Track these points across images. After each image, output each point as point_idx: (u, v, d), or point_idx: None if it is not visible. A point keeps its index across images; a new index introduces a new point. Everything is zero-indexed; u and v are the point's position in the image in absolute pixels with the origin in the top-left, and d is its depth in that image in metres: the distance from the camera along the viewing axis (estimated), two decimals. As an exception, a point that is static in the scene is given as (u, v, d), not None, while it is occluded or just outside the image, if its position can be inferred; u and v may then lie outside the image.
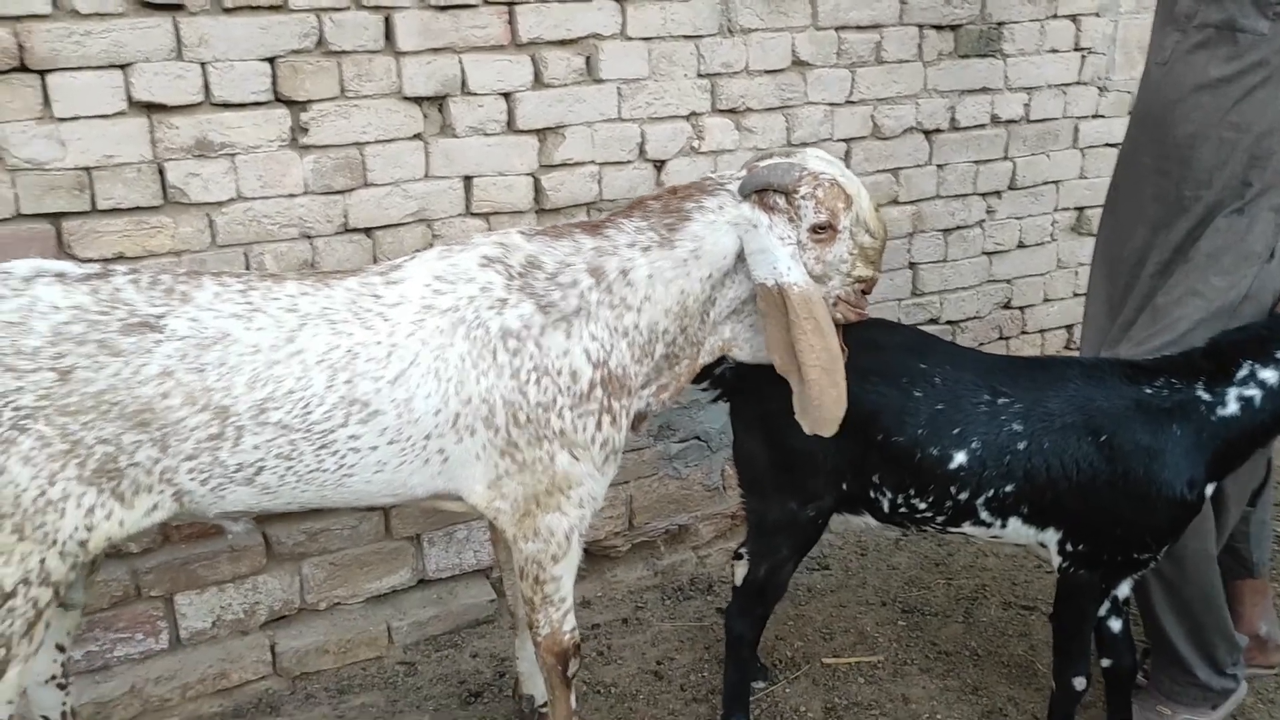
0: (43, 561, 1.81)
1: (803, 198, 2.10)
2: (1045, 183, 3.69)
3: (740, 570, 2.57)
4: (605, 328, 2.09)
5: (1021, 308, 3.80)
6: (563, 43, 2.79)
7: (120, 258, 2.42)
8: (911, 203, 3.45)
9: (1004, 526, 2.27)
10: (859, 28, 3.19)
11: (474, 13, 2.67)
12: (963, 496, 2.24)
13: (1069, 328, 3.92)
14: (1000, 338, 3.79)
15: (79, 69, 2.30)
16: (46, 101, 2.29)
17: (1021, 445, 2.19)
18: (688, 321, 2.16)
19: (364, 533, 2.88)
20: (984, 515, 2.26)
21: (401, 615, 2.95)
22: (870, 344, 2.29)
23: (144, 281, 1.92)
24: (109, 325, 1.84)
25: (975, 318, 3.69)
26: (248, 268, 2.57)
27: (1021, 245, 3.71)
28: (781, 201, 2.10)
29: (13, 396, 1.76)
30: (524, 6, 2.72)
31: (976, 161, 3.52)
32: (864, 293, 2.24)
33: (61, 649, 2.15)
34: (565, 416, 2.07)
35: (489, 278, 2.07)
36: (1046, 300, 3.83)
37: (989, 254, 3.66)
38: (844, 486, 2.32)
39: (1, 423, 1.76)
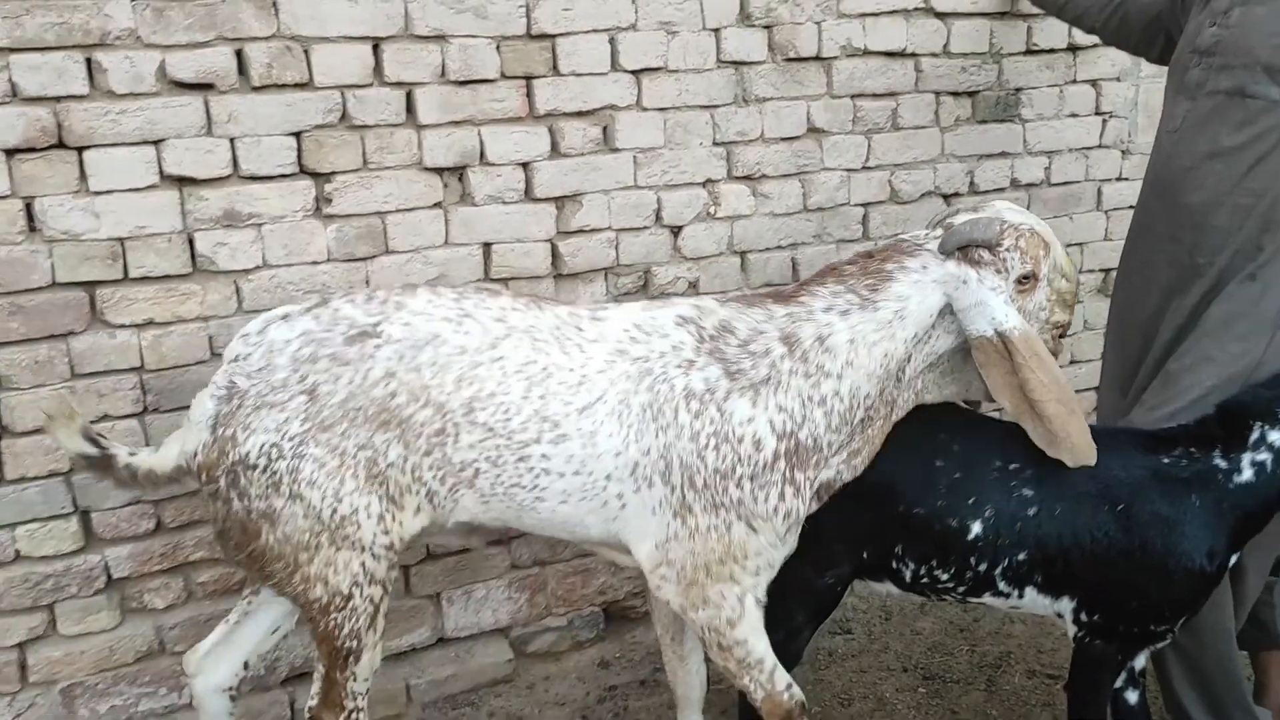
0: (363, 565, 2.07)
1: (1007, 250, 2.13)
2: (1069, 245, 3.67)
3: None
4: (797, 397, 2.08)
5: (1048, 370, 3.76)
6: (579, 114, 2.87)
7: (149, 324, 2.52)
8: (931, 266, 3.45)
9: (1021, 596, 2.25)
10: (875, 95, 3.23)
11: (492, 87, 2.76)
12: (982, 567, 2.22)
13: (1097, 389, 3.87)
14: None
15: (114, 145, 2.42)
16: (83, 175, 2.41)
17: (1032, 511, 2.18)
18: (887, 383, 2.15)
19: (384, 592, 2.91)
20: (1002, 585, 2.24)
21: (420, 673, 2.98)
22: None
23: (360, 299, 2.14)
24: (333, 340, 2.06)
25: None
26: (272, 332, 2.65)
27: (1046, 307, 3.69)
28: (986, 255, 2.12)
29: (285, 428, 2.01)
30: (541, 80, 2.81)
31: (997, 224, 3.52)
32: (1060, 336, 2.28)
33: (246, 666, 2.38)
34: (744, 486, 2.07)
35: (682, 337, 2.13)
36: (1074, 362, 3.80)
37: (1012, 316, 3.64)
38: (864, 555, 2.31)
39: (285, 454, 2.01)
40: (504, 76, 2.77)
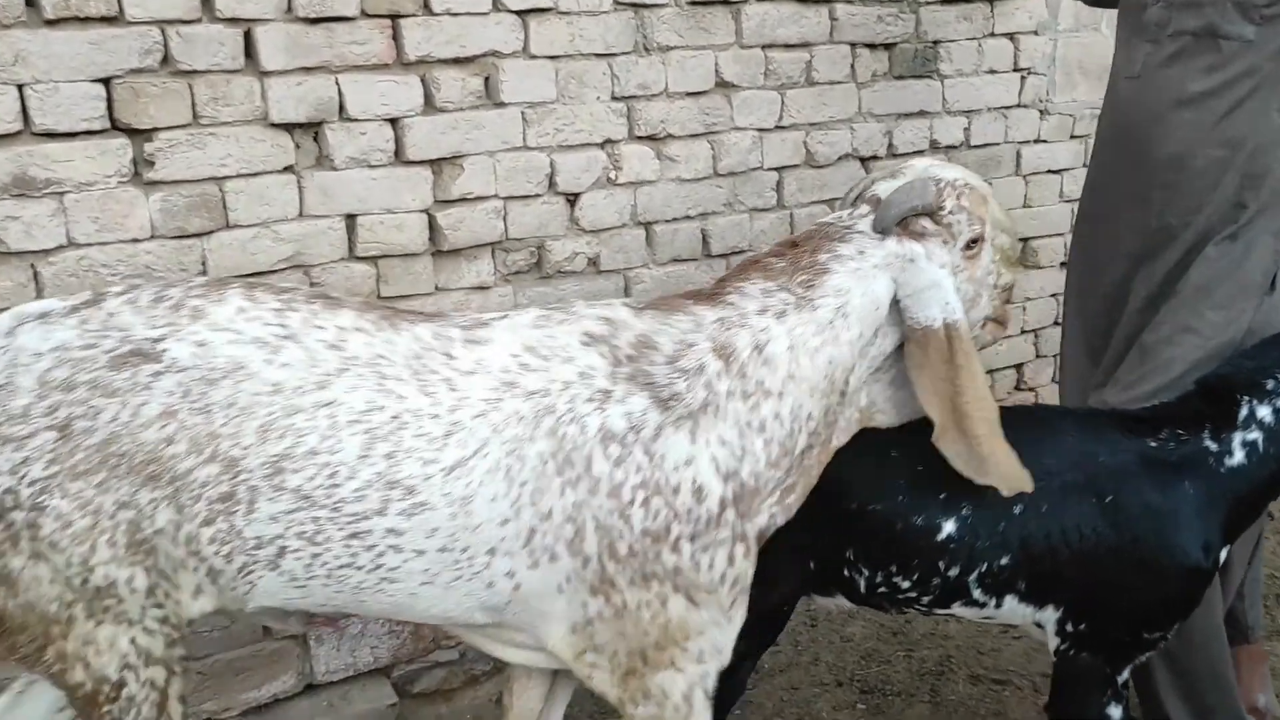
0: (133, 641, 1.61)
1: (950, 213, 1.80)
2: (988, 212, 3.44)
3: None
4: (736, 425, 1.68)
5: (969, 347, 3.52)
6: (457, 61, 2.45)
7: (-79, 319, 1.99)
8: (850, 236, 3.15)
9: (999, 606, 1.95)
10: (787, 46, 2.90)
11: (351, 27, 2.31)
12: (953, 573, 1.91)
13: (1018, 366, 3.66)
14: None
15: None
16: None
17: (1017, 510, 1.88)
18: (831, 399, 1.77)
19: (238, 633, 2.44)
20: (977, 594, 1.93)
21: (285, 729, 2.51)
22: None
23: (144, 299, 1.64)
24: (96, 360, 1.57)
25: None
26: (83, 327, 2.15)
27: (967, 280, 3.44)
28: (930, 225, 1.79)
29: (24, 470, 1.54)
30: (410, 20, 2.37)
31: (917, 190, 3.25)
32: (1006, 301, 1.97)
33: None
34: (683, 550, 1.64)
35: (591, 360, 1.69)
36: (1024, 331, 3.57)
37: (933, 290, 3.38)
38: (810, 565, 1.97)
39: (22, 503, 1.54)
40: (365, 15, 2.32)
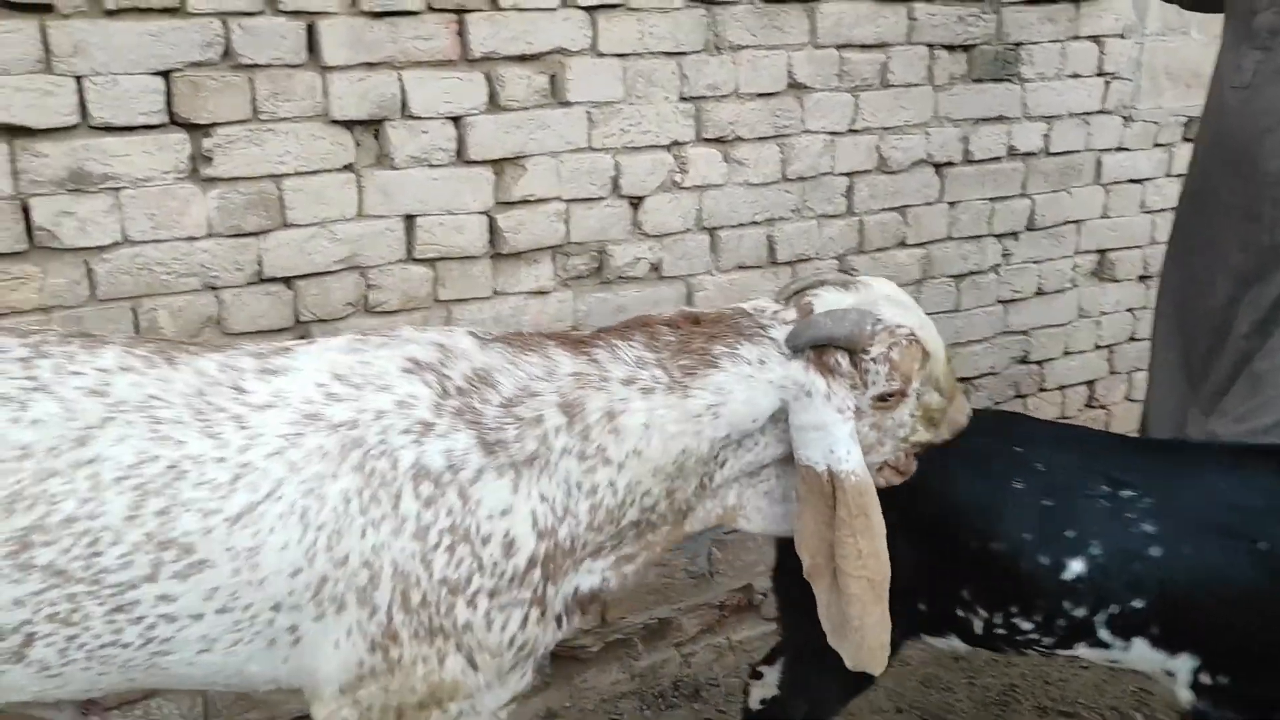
0: None
1: (873, 360, 1.64)
2: (1066, 223, 3.29)
3: (758, 692, 2.13)
4: (562, 484, 1.57)
5: (1040, 362, 3.39)
6: (522, 58, 2.36)
7: (-29, 316, 1.95)
8: (921, 245, 3.04)
9: (1127, 649, 1.84)
10: (863, 46, 2.79)
11: (416, 21, 2.23)
12: (1079, 613, 1.80)
13: (1090, 384, 3.52)
14: (1017, 396, 3.37)
15: (-86, 81, 1.84)
16: (-128, 122, 1.83)
17: (1155, 551, 1.77)
18: (679, 484, 1.66)
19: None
20: (1104, 635, 1.82)
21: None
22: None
23: None
24: None
25: (990, 373, 3.28)
26: (136, 327, 2.10)
27: (1040, 293, 3.31)
28: (845, 363, 1.63)
29: None
30: (476, 15, 2.29)
31: (991, 199, 3.13)
32: (917, 455, 1.78)
33: None
34: (478, 606, 1.51)
35: (412, 389, 1.54)
36: (1067, 354, 3.43)
37: (1004, 302, 3.25)
38: (921, 607, 1.86)
39: None
40: (430, 9, 2.24)
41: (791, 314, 1.69)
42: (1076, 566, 1.78)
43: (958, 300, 3.16)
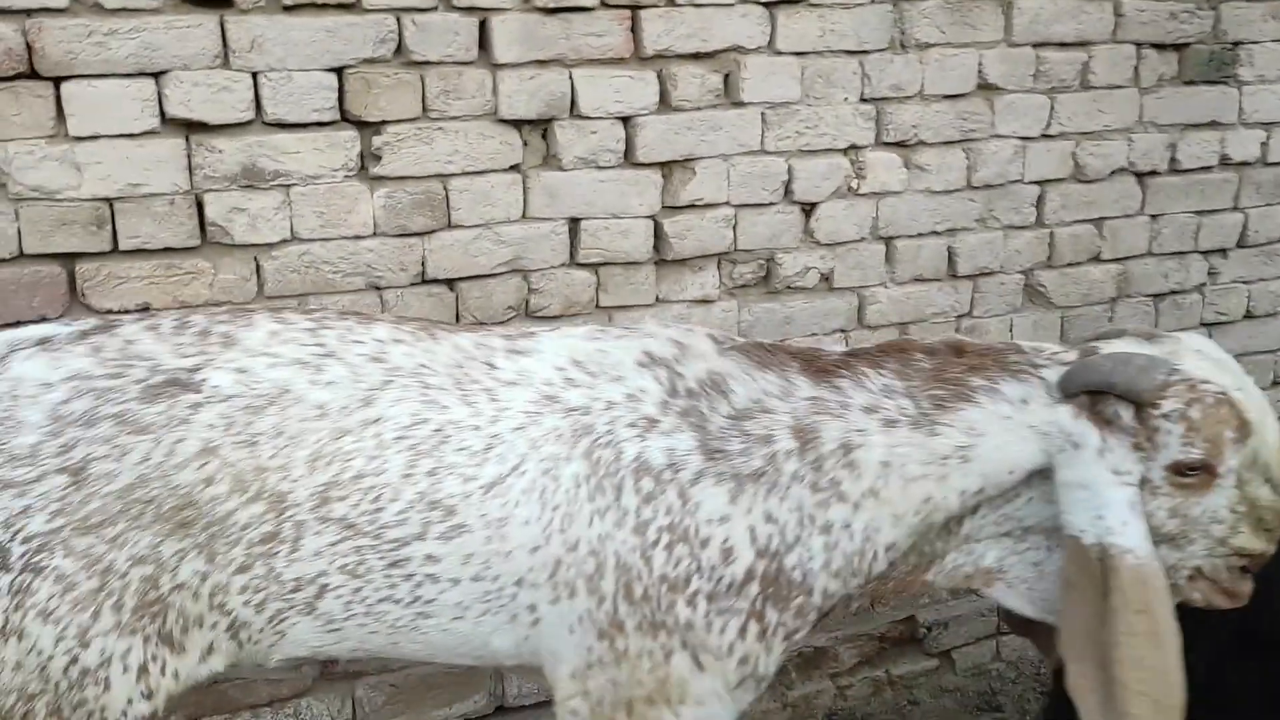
0: None
1: (1165, 417, 1.42)
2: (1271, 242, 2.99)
3: None
4: (796, 511, 1.49)
5: (1244, 392, 3.09)
6: (696, 56, 2.26)
7: (145, 309, 1.96)
8: (1117, 260, 2.80)
9: None
10: (1062, 45, 2.57)
11: (589, 18, 2.15)
12: None
13: (1302, 417, 3.19)
14: (1216, 427, 3.08)
15: (101, 76, 1.86)
16: (60, 116, 1.86)
17: None
18: (926, 535, 1.54)
19: (433, 646, 2.35)
20: None
21: (473, 752, 2.41)
22: None
23: (166, 327, 1.49)
24: (124, 391, 1.41)
25: (1188, 403, 3.00)
26: (301, 324, 2.09)
27: (1249, 316, 3.02)
28: (1127, 416, 1.44)
29: (18, 523, 1.34)
30: (651, 11, 2.19)
31: (1199, 212, 2.86)
32: (1244, 571, 1.51)
33: None
34: (698, 606, 1.47)
35: (644, 383, 1.55)
36: (1276, 383, 3.12)
37: (1209, 325, 2.97)
38: None
39: (11, 565, 1.34)
40: (604, 5, 2.17)
41: (1071, 355, 1.52)
42: None
43: (1156, 320, 2.89)
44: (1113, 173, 2.71)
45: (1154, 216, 2.81)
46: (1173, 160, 2.77)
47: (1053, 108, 2.61)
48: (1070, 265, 2.75)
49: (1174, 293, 2.90)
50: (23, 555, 1.35)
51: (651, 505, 1.48)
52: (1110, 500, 1.40)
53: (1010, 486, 1.50)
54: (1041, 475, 1.48)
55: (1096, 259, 2.78)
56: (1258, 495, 1.45)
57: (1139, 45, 2.65)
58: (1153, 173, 2.76)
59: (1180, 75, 2.73)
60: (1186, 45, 2.71)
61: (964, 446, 1.47)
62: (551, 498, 1.49)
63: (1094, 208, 2.72)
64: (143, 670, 1.41)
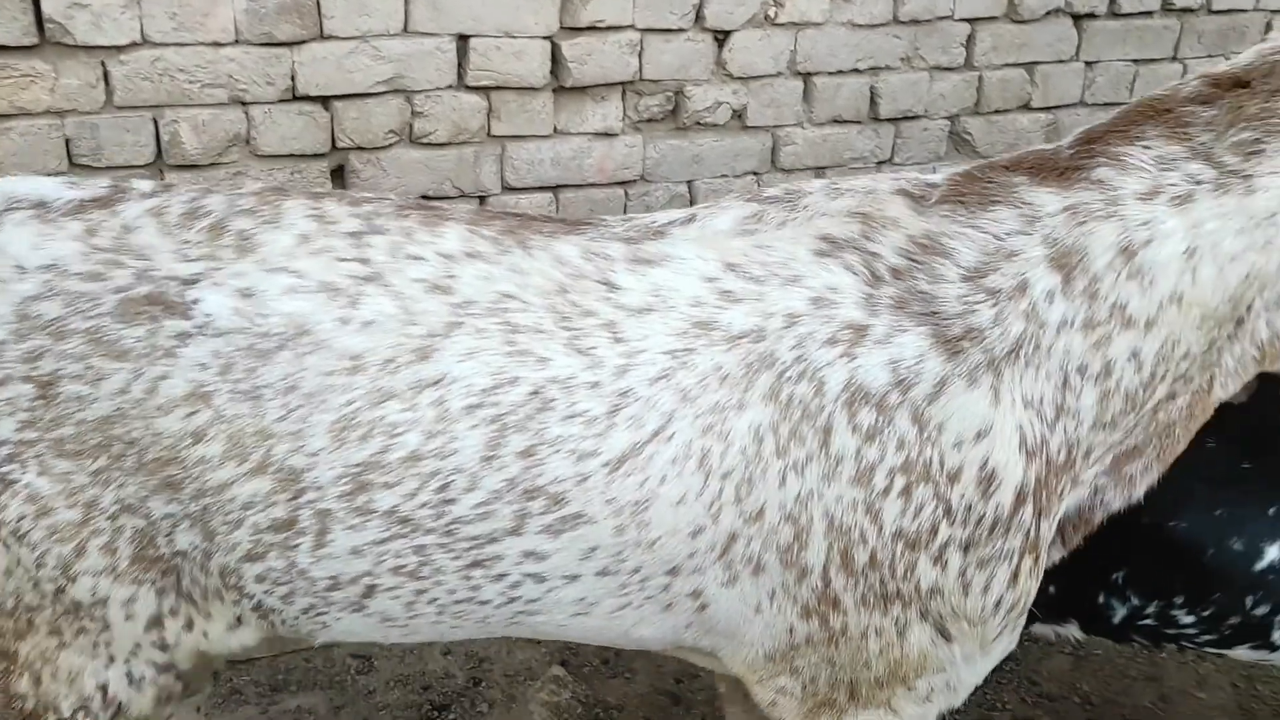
0: (103, 688, 1.22)
1: None
2: (1219, 96, 2.88)
3: None
4: (1057, 374, 1.16)
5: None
6: None
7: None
8: (1047, 110, 2.68)
9: None
10: None
11: None
12: (1260, 610, 1.50)
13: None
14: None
15: None
16: None
17: None
18: (1224, 331, 1.21)
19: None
20: (1276, 636, 1.52)
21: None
22: None
23: (175, 211, 1.19)
24: (100, 302, 1.14)
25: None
26: (157, 140, 1.92)
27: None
28: None
29: None
30: None
31: (1136, 60, 2.73)
32: None
33: None
34: (950, 564, 1.16)
35: (832, 278, 1.18)
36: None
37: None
38: (1050, 589, 1.54)
39: None
40: None
41: None
42: (1273, 554, 1.46)
43: (1083, 177, 2.80)
44: (1048, 13, 2.57)
45: (1089, 64, 2.68)
46: (1112, 3, 2.63)
47: (987, -62, 2.45)
48: (998, 112, 2.62)
49: (1105, 147, 2.79)
50: None
51: (877, 443, 1.15)
52: None
53: None
54: None
55: (1026, 107, 2.65)
56: None
57: None
58: (1090, 15, 2.62)
59: (1124, -92, 2.57)
60: (1135, -125, 2.54)
61: None
62: (719, 463, 1.16)
63: (1026, 50, 2.59)
64: (155, 622, 1.22)
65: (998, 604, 1.21)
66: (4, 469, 1.14)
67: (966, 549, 1.16)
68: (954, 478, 1.15)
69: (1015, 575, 1.19)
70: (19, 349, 1.13)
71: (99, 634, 1.21)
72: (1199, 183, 1.16)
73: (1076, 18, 2.61)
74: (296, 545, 1.17)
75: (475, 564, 1.19)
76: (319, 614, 1.24)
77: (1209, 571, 1.49)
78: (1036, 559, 1.21)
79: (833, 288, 1.18)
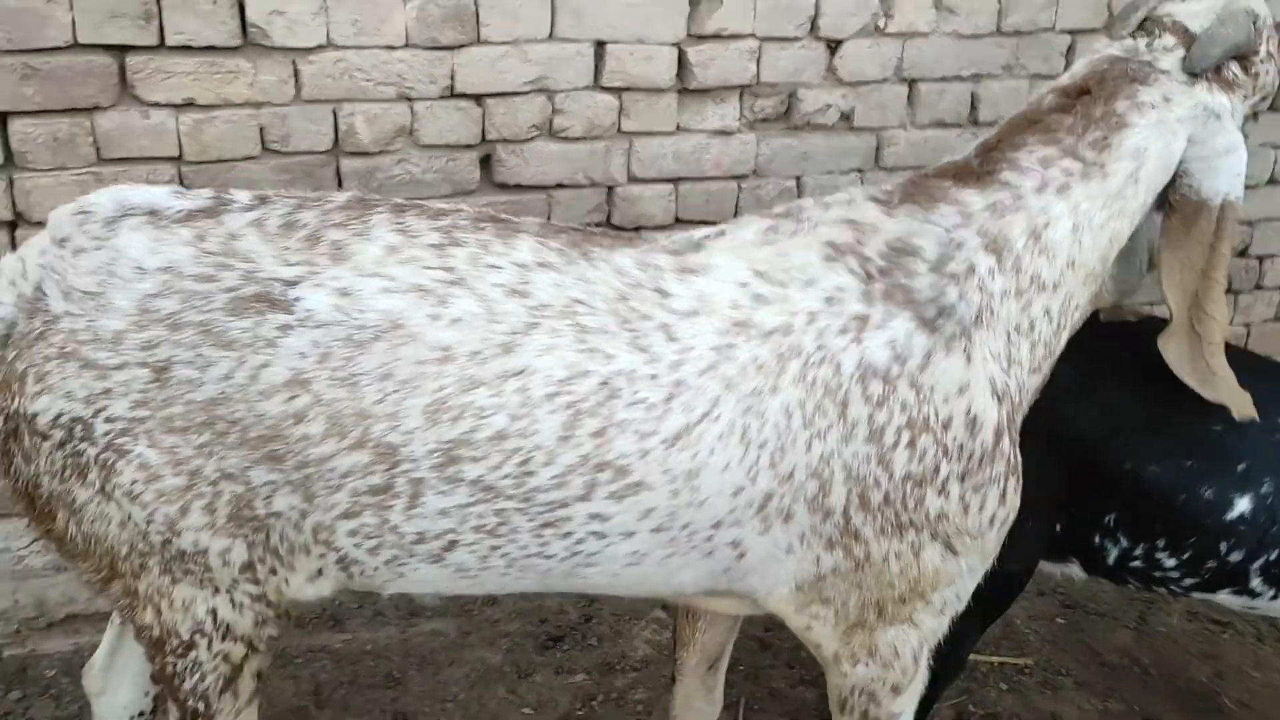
0: (214, 612, 1.42)
1: (1263, 60, 1.52)
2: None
3: None
4: (1003, 334, 1.45)
5: (1260, 258, 3.12)
6: (731, -117, 2.28)
7: (190, 104, 2.09)
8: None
9: (1275, 598, 1.73)
10: (1108, -111, 2.54)
11: None
12: (1234, 557, 1.69)
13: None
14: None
15: (148, -127, 1.94)
16: (110, -90, 1.95)
17: None
18: (1098, 283, 1.54)
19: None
20: (1256, 583, 1.71)
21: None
22: (1113, 331, 1.71)
23: (274, 222, 1.36)
24: (212, 300, 1.30)
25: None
26: (335, 130, 2.20)
27: (1273, 181, 3.02)
28: (1240, 74, 1.51)
29: (101, 403, 1.31)
30: None
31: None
32: None
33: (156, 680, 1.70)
34: (951, 493, 1.42)
35: (839, 280, 1.42)
36: (1292, 251, 3.15)
37: (1229, 189, 2.99)
38: (1057, 528, 1.75)
39: (95, 438, 1.32)
40: None
41: (1168, 40, 1.52)
42: (1243, 505, 1.65)
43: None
44: (1147, 26, 2.70)
45: (1185, 74, 2.80)
46: (1211, 17, 2.74)
47: (1092, -46, 2.59)
48: (1094, 119, 2.76)
49: (1197, 153, 2.91)
50: (106, 434, 1.32)
51: (885, 408, 1.38)
52: (1240, 151, 1.49)
53: (1159, 190, 1.52)
54: None
55: (1121, 114, 2.79)
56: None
57: (1188, -106, 2.60)
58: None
59: (1229, -72, 2.68)
60: (1239, -104, 2.65)
61: (1134, 171, 1.47)
62: (757, 435, 1.37)
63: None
64: (248, 566, 1.40)
65: (992, 519, 1.47)
66: (119, 441, 1.32)
67: (963, 479, 1.42)
68: (947, 426, 1.41)
69: (1003, 495, 1.46)
70: (138, 338, 1.30)
71: (203, 574, 1.40)
72: (1071, 175, 1.47)
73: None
74: (390, 506, 1.35)
75: (547, 524, 1.37)
76: (400, 564, 1.42)
77: (1183, 517, 1.67)
78: (1017, 480, 1.48)
79: (840, 288, 1.42)
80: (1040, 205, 1.47)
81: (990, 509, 1.45)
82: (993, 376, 1.43)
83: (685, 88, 2.41)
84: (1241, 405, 1.54)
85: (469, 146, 2.31)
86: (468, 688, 2.33)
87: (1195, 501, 1.67)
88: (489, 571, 1.43)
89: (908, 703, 1.57)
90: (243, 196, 1.41)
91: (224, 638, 1.44)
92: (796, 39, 2.44)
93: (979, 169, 1.51)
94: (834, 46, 2.48)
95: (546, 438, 1.32)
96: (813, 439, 1.39)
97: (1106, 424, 1.67)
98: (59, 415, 1.32)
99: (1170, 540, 1.71)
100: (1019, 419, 1.49)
